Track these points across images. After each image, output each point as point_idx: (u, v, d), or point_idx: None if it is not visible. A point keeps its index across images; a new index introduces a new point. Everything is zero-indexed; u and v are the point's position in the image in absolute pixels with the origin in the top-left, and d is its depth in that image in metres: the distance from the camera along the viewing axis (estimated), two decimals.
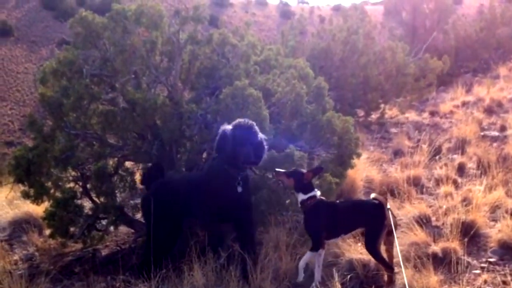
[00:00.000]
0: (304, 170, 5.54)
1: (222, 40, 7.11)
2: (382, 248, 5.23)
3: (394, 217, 5.24)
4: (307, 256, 5.30)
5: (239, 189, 5.49)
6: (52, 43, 18.86)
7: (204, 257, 5.36)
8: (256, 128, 5.47)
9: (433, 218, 6.63)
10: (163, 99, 6.52)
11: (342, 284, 4.98)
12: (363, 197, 7.54)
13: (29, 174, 6.51)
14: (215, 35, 7.15)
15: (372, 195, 5.35)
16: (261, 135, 5.48)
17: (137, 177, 6.97)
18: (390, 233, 5.18)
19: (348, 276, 5.32)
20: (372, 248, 5.13)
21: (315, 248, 5.25)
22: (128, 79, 6.58)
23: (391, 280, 5.19)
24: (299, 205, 5.46)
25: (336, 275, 4.93)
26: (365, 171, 8.24)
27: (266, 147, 5.51)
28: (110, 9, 6.81)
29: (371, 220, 5.14)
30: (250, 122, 5.47)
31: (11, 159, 6.67)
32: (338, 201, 5.98)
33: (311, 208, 5.35)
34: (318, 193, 5.43)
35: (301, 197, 5.40)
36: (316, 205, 5.34)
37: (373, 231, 5.14)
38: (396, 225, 5.30)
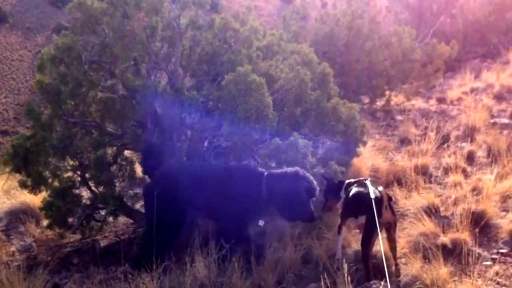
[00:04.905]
0: None
1: (224, 25, 6.93)
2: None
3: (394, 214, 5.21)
4: None
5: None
6: (47, 30, 18.58)
7: (206, 248, 5.27)
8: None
9: (442, 208, 6.49)
10: (163, 86, 6.37)
11: (348, 275, 4.81)
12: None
13: (26, 164, 6.44)
14: (217, 20, 6.98)
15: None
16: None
17: (137, 166, 6.84)
18: (389, 230, 5.16)
19: (354, 267, 5.22)
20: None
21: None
22: (127, 66, 6.42)
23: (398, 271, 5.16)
24: None
25: (345, 266, 4.78)
26: (371, 159, 8.10)
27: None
28: None
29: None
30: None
31: (9, 148, 6.58)
32: None
33: None
34: None
35: None
36: None
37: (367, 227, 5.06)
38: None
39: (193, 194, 5.60)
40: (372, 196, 4.99)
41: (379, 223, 4.87)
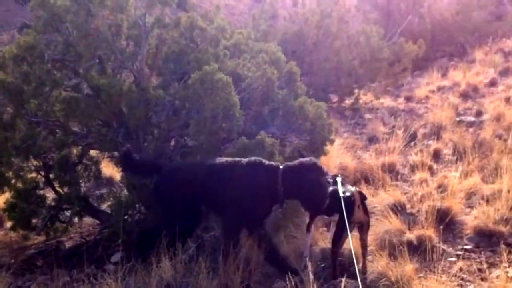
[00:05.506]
0: None
1: (190, 24, 6.87)
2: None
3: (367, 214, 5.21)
4: None
5: None
6: (13, 28, 18.24)
7: (173, 248, 5.19)
8: None
9: (408, 205, 6.55)
10: (128, 85, 6.32)
11: (315, 273, 4.81)
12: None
13: None
14: (183, 19, 6.91)
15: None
16: None
17: (103, 166, 6.75)
18: (361, 229, 5.19)
19: (321, 266, 5.21)
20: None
21: None
22: (92, 64, 6.33)
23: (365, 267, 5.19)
24: None
25: (309, 264, 4.77)
26: (338, 158, 8.14)
27: None
28: None
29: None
30: None
31: None
32: None
33: None
34: None
35: None
36: None
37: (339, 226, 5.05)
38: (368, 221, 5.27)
39: (205, 190, 5.42)
40: (342, 194, 4.99)
41: (351, 222, 4.88)
